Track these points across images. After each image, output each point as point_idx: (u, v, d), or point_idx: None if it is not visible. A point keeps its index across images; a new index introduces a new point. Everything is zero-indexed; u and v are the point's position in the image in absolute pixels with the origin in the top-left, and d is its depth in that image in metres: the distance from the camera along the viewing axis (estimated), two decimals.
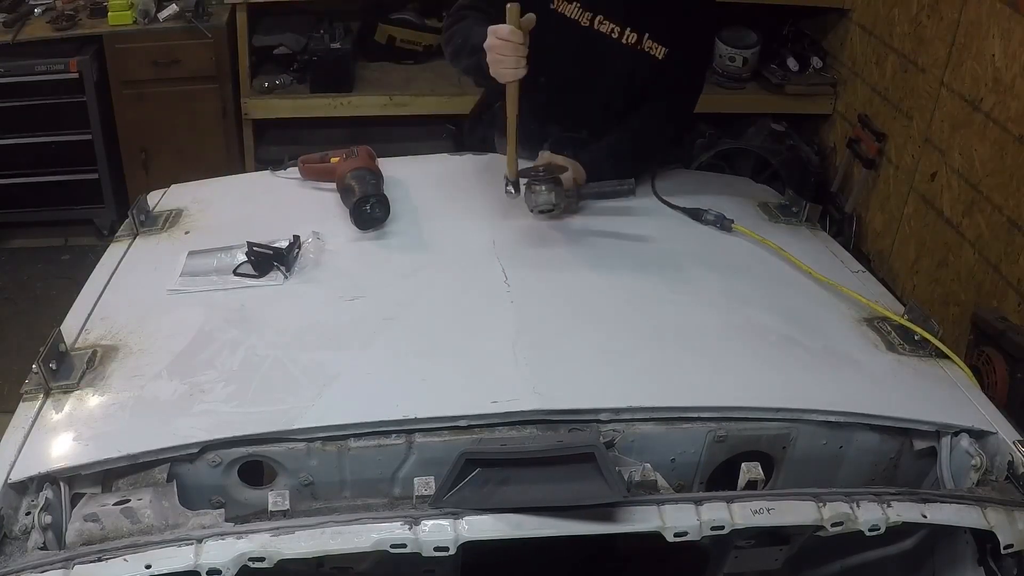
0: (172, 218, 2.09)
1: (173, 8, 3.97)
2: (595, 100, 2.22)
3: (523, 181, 2.00)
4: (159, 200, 2.20)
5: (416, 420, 1.43)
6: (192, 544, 1.20)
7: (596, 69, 2.12)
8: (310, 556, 1.22)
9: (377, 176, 2.06)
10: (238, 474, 1.45)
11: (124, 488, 1.37)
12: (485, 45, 1.93)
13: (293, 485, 1.44)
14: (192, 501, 1.37)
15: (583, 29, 2.13)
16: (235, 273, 1.82)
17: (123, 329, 1.67)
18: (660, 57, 2.14)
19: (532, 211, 2.01)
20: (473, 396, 1.48)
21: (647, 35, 2.12)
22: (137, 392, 1.50)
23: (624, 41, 2.14)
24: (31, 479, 1.34)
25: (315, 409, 1.45)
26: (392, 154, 2.31)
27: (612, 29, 2.14)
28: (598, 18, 2.13)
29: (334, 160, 2.13)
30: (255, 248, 1.83)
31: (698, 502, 1.29)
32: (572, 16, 2.13)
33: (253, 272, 1.81)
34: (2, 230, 4.26)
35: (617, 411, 1.48)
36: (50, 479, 1.35)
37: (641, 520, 1.26)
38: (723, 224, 2.05)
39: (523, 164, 2.03)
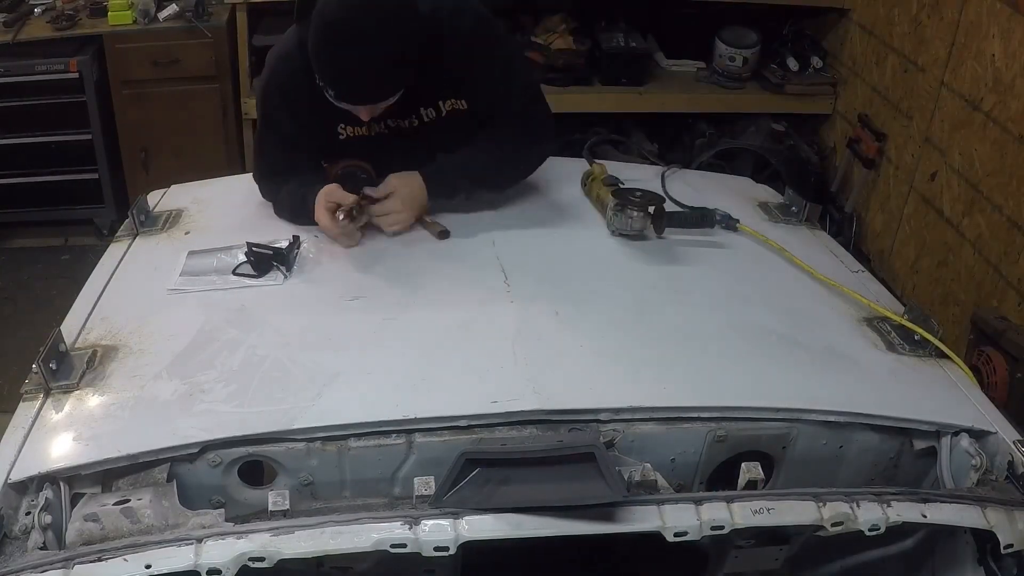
0: (172, 218, 2.09)
1: (173, 8, 3.98)
2: None
3: (615, 202, 1.97)
4: (159, 200, 2.20)
5: (416, 420, 1.43)
6: (192, 544, 1.20)
7: (418, 157, 2.05)
8: (310, 556, 1.22)
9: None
10: (238, 474, 1.45)
11: (124, 488, 1.37)
12: (319, 222, 1.93)
13: (293, 485, 1.44)
14: (192, 501, 1.37)
15: (381, 138, 2.05)
16: (235, 273, 1.82)
17: (123, 329, 1.67)
18: (465, 108, 2.06)
19: (613, 233, 1.98)
20: (473, 396, 1.48)
21: (440, 102, 2.04)
22: (137, 392, 1.50)
23: (426, 120, 2.05)
24: (31, 479, 1.34)
25: (315, 409, 1.45)
26: None
27: (409, 121, 2.05)
28: (387, 122, 2.04)
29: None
30: (254, 248, 1.83)
31: (698, 502, 1.29)
32: (368, 133, 2.04)
33: (253, 272, 1.81)
34: (2, 230, 4.26)
35: (617, 411, 1.48)
36: (50, 479, 1.35)
37: (641, 520, 1.26)
38: (728, 224, 2.04)
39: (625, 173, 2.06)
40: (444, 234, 1.97)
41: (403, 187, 1.98)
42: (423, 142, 2.06)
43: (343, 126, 2.04)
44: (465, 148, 2.08)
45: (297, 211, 2.00)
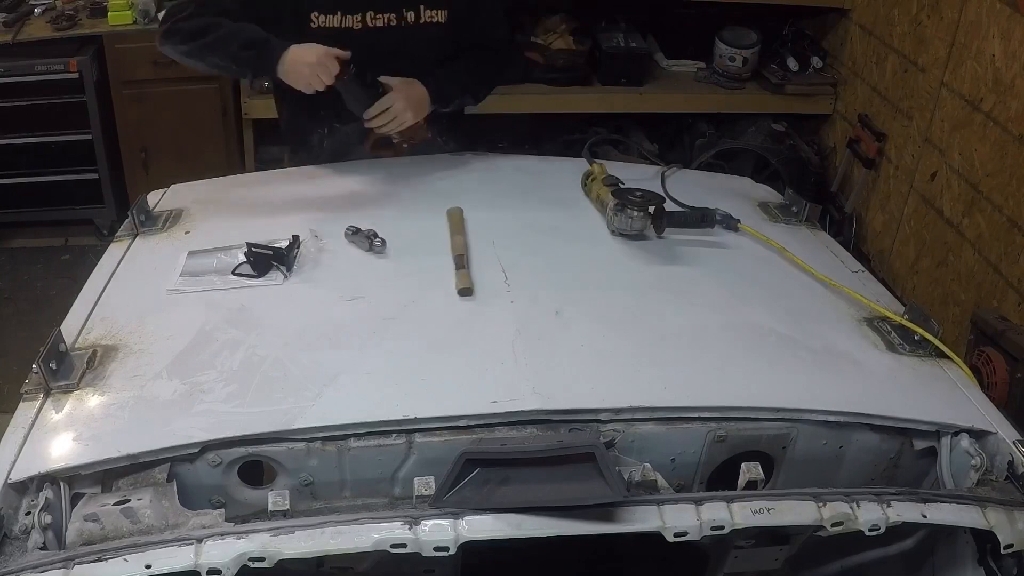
0: (172, 218, 2.09)
1: None
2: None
3: (615, 201, 1.98)
4: (159, 200, 2.20)
5: (416, 420, 1.43)
6: (192, 544, 1.20)
7: (391, 63, 2.09)
8: (310, 556, 1.22)
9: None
10: (238, 474, 1.45)
11: (124, 488, 1.37)
12: (309, 61, 1.95)
13: (293, 485, 1.44)
14: (192, 501, 1.37)
15: (358, 34, 2.07)
16: (235, 273, 1.82)
17: (123, 329, 1.67)
18: (443, 20, 2.13)
19: (613, 233, 1.99)
20: (473, 396, 1.48)
21: (422, 6, 2.09)
22: (137, 392, 1.50)
23: (405, 23, 2.11)
24: (31, 479, 1.34)
25: (315, 409, 1.45)
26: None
27: (388, 19, 2.09)
28: (368, 15, 2.07)
29: None
30: (254, 248, 1.83)
31: (698, 502, 1.29)
32: (341, 26, 2.06)
33: (252, 272, 1.81)
34: (2, 230, 4.26)
35: (617, 411, 1.48)
36: (50, 479, 1.35)
37: (641, 520, 1.26)
38: (729, 224, 2.04)
39: (625, 173, 2.08)
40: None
41: (406, 88, 2.04)
42: (392, 48, 2.09)
43: (316, 14, 2.05)
44: (454, 63, 2.20)
45: (242, 53, 2.01)
